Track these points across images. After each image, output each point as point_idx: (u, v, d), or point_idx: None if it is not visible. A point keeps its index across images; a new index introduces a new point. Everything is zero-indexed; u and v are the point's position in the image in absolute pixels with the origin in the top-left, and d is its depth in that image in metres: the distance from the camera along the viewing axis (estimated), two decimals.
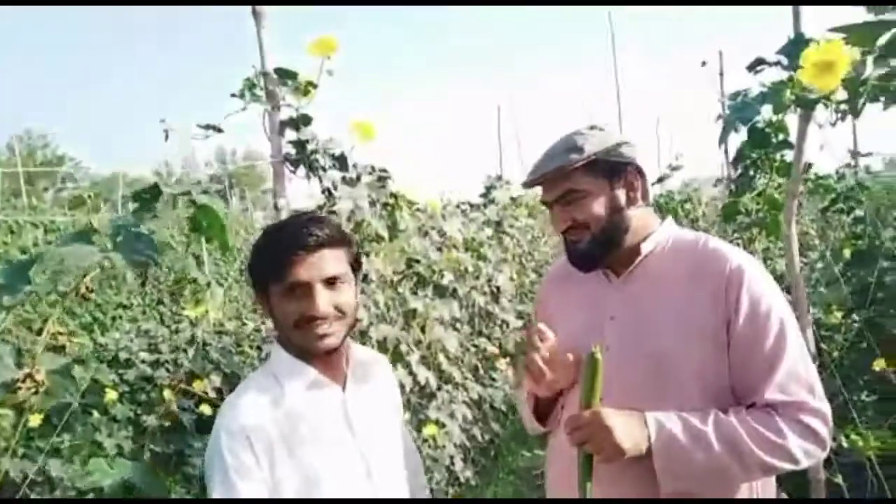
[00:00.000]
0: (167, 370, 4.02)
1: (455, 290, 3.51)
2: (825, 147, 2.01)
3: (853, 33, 1.45)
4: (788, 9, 2.02)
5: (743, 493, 1.32)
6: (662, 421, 1.26)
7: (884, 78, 1.37)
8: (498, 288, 4.92)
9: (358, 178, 2.56)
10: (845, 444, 2.27)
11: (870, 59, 1.38)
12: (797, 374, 1.28)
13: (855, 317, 3.79)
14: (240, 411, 1.23)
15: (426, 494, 1.55)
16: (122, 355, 3.97)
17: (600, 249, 1.40)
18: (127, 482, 1.76)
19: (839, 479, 2.19)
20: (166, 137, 2.00)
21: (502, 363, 4.83)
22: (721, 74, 6.59)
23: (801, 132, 1.97)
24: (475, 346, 4.33)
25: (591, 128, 1.42)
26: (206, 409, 4.07)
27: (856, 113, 1.51)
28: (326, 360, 1.31)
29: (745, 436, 1.23)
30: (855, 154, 3.72)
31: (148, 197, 1.42)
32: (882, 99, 1.56)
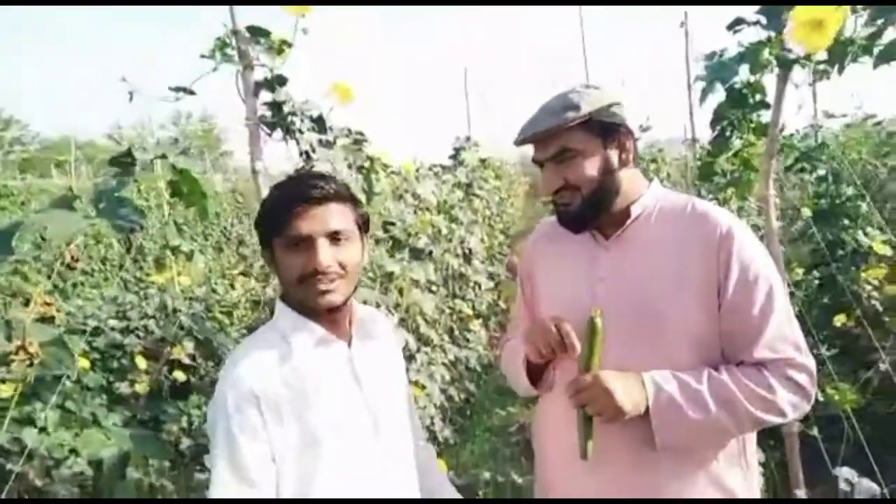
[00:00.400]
0: (138, 337, 3.95)
1: (431, 253, 3.51)
2: (801, 107, 2.04)
3: None
4: None
5: (731, 447, 1.37)
6: (659, 382, 1.29)
7: (870, 38, 1.39)
8: (470, 250, 4.94)
9: (334, 141, 2.52)
10: (821, 399, 2.35)
11: (852, 19, 1.39)
12: (784, 332, 1.32)
13: (816, 273, 3.92)
14: (247, 368, 1.21)
15: (424, 444, 1.57)
16: (91, 322, 3.88)
17: (591, 211, 1.40)
18: (126, 452, 1.74)
19: (815, 432, 2.27)
20: (130, 98, 1.91)
21: (476, 324, 4.89)
22: (686, 35, 6.61)
23: (779, 92, 1.99)
24: (450, 308, 4.36)
25: (587, 86, 1.40)
26: (179, 375, 4.05)
27: (841, 71, 1.53)
28: (331, 317, 1.29)
29: (738, 393, 1.27)
30: (829, 115, 3.79)
31: (127, 161, 1.38)
32: (861, 59, 1.58)
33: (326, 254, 1.22)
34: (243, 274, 5.29)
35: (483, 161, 6.10)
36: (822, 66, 1.75)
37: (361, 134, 2.64)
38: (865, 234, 3.71)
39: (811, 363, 1.33)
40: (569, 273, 1.47)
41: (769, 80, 2.10)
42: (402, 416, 1.42)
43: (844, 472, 1.91)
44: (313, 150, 2.25)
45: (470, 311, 4.73)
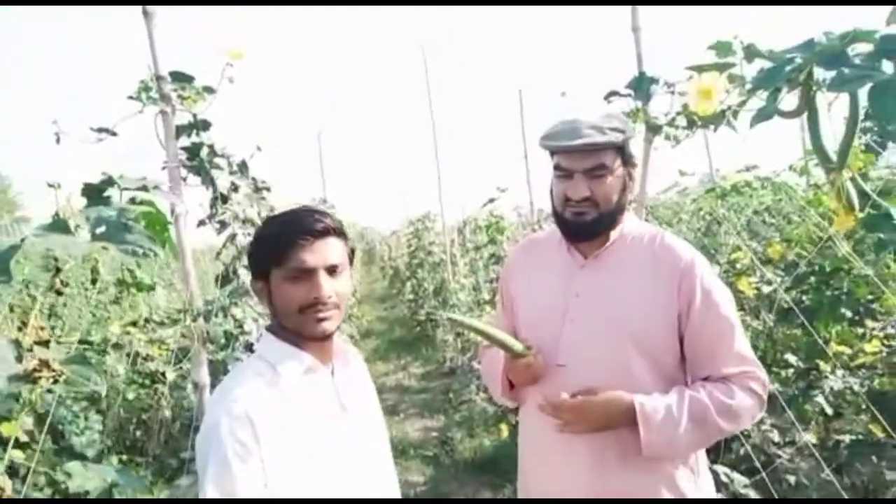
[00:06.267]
0: None
1: None
2: (658, 168, 2.46)
3: (703, 72, 1.85)
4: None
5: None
6: (648, 411, 1.43)
7: (740, 105, 1.78)
8: None
9: (237, 189, 2.54)
10: None
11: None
12: (743, 349, 1.52)
13: None
14: (240, 394, 1.22)
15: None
16: None
17: (602, 226, 1.55)
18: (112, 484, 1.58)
19: None
20: (58, 140, 1.85)
21: None
22: (521, 113, 7.35)
23: (646, 153, 2.39)
24: None
25: (621, 113, 1.60)
26: (16, 454, 3.59)
27: (716, 130, 1.92)
28: (319, 346, 1.34)
29: (713, 411, 1.44)
30: (683, 174, 4.46)
31: (98, 192, 1.35)
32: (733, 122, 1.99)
33: (326, 285, 1.28)
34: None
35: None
36: (683, 131, 2.17)
37: (265, 182, 2.69)
38: None
39: (765, 375, 1.53)
40: (546, 286, 1.62)
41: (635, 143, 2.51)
42: (384, 439, 1.48)
43: (721, 469, 2.24)
44: (230, 193, 2.28)
45: None
